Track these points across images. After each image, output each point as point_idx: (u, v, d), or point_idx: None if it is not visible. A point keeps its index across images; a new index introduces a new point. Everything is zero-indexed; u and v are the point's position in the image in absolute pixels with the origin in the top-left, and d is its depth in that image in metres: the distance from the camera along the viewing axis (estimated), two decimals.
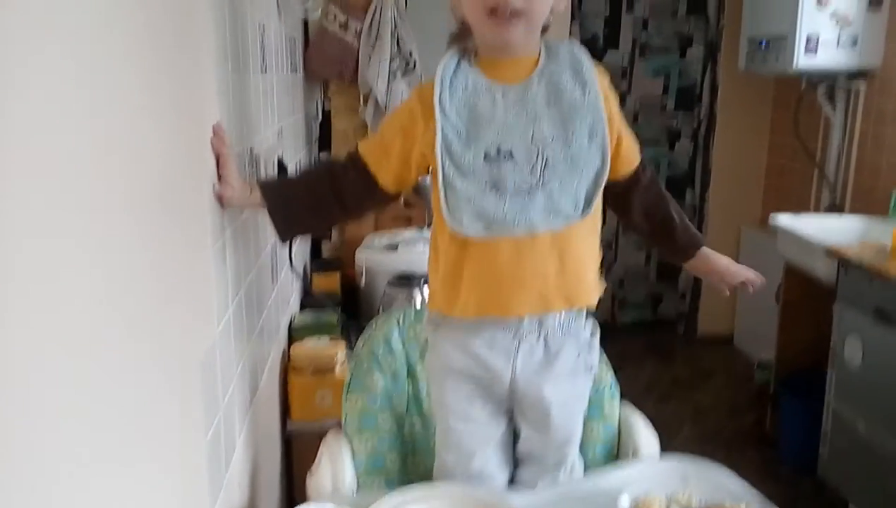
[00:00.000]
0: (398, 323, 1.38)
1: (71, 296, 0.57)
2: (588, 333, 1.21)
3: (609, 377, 1.44)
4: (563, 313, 1.15)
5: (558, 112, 1.08)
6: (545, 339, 1.16)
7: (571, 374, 1.17)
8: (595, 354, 1.22)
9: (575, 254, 1.12)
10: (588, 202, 1.09)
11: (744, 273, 1.28)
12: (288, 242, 1.28)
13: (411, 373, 1.36)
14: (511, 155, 1.06)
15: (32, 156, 0.51)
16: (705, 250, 1.30)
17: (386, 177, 1.16)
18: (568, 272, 1.12)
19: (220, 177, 1.09)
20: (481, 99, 1.09)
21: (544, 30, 1.12)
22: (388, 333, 1.36)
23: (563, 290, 1.13)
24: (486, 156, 1.06)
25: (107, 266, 0.65)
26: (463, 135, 1.08)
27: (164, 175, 0.84)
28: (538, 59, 1.11)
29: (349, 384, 1.33)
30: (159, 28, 0.84)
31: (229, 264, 1.18)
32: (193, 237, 0.98)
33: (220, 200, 1.09)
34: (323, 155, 2.62)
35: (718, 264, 1.29)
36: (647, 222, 1.23)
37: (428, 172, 1.14)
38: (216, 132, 1.08)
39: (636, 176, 1.19)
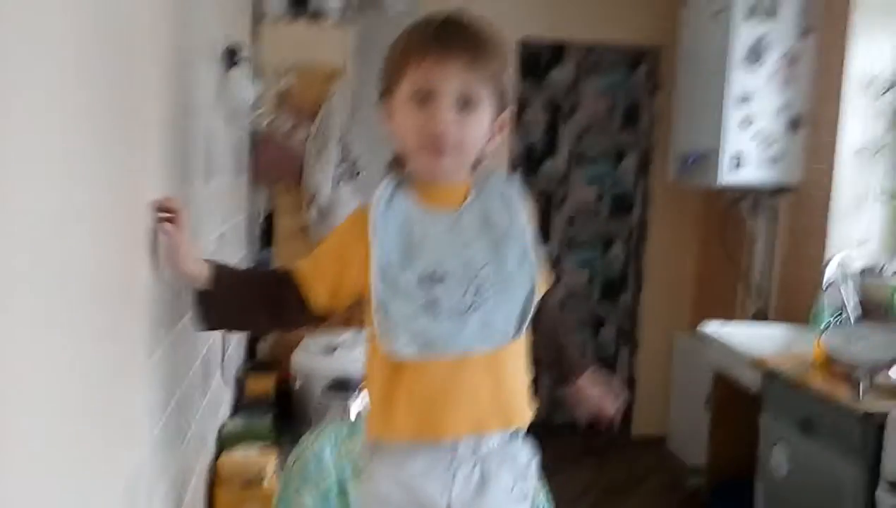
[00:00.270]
0: (330, 438, 1.36)
1: None
2: (525, 458, 1.20)
3: (541, 497, 1.43)
4: (499, 436, 1.15)
5: (489, 238, 1.11)
6: (481, 466, 1.14)
7: (506, 504, 1.16)
8: (532, 481, 1.21)
9: (508, 374, 1.14)
10: (520, 324, 1.11)
11: (603, 407, 1.35)
12: (203, 331, 1.22)
13: (342, 491, 1.33)
14: (445, 278, 1.08)
15: None
16: (584, 378, 1.35)
17: (317, 299, 1.16)
18: (502, 392, 1.14)
19: (170, 231, 1.07)
20: (416, 225, 1.11)
21: (478, 163, 1.16)
22: (320, 450, 1.34)
23: (498, 411, 1.13)
24: (420, 279, 1.08)
25: (32, 387, 0.64)
26: (397, 259, 1.09)
27: (97, 286, 0.83)
28: (470, 188, 1.15)
29: (276, 505, 1.30)
30: (105, 136, 0.85)
31: (160, 381, 1.15)
32: (124, 357, 0.96)
33: (166, 244, 1.06)
34: (265, 252, 2.61)
35: (591, 392, 1.34)
36: (540, 343, 1.26)
37: (360, 300, 1.15)
38: (164, 200, 1.07)
39: (542, 301, 1.21)
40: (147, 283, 1.07)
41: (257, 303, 1.17)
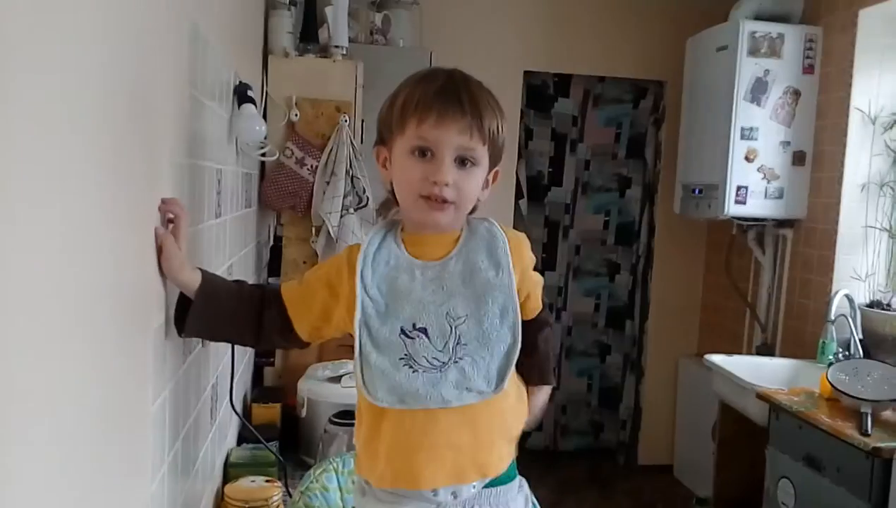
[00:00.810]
0: (336, 472, 1.38)
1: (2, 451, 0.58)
2: (520, 504, 1.19)
3: None
4: (479, 482, 1.14)
5: (472, 291, 1.11)
6: None
7: None
8: None
9: (488, 426, 1.13)
10: (499, 379, 1.11)
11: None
12: (184, 337, 1.24)
13: None
14: (425, 331, 1.09)
15: None
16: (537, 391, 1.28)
17: (302, 327, 1.18)
18: (481, 444, 1.13)
19: (165, 236, 1.08)
20: (401, 275, 1.13)
21: (471, 212, 1.17)
22: (326, 484, 1.35)
23: (475, 462, 1.13)
24: (401, 332, 1.09)
25: (42, 416, 0.66)
26: (381, 311, 1.11)
27: (113, 317, 0.85)
28: (459, 236, 1.15)
29: None
30: (125, 171, 0.88)
31: (172, 410, 1.17)
32: (136, 388, 0.98)
33: (159, 252, 1.07)
34: (273, 282, 2.64)
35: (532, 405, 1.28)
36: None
37: (343, 335, 1.18)
38: (169, 201, 1.08)
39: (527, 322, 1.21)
40: (157, 317, 1.09)
41: (243, 321, 1.19)
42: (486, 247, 1.14)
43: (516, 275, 1.14)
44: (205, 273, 1.16)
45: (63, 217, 0.69)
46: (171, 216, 1.09)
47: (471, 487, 1.13)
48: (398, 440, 1.12)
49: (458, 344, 1.08)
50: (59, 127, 0.67)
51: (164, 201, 1.07)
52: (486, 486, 1.14)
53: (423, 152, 1.09)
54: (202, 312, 1.14)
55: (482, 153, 1.10)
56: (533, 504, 1.23)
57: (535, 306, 1.22)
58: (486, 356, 1.09)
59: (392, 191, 1.18)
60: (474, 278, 1.11)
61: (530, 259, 1.19)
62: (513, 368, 1.12)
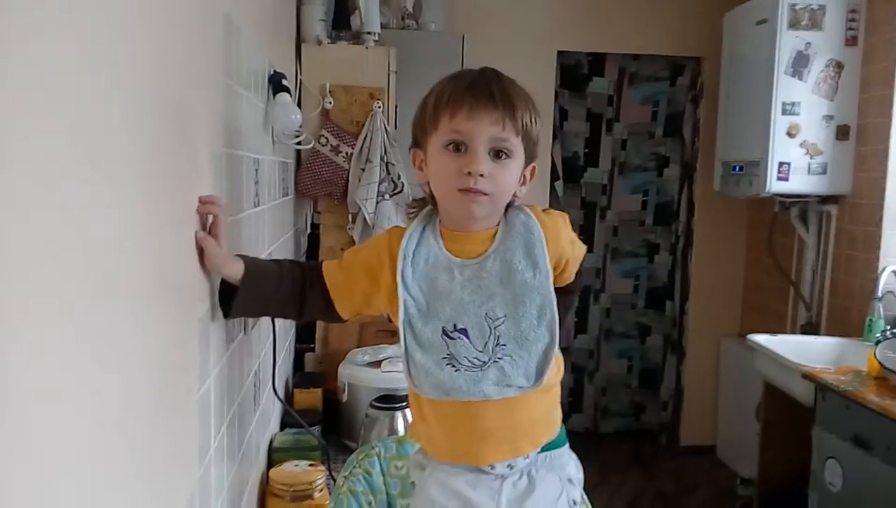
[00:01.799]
0: (379, 456, 1.39)
1: (51, 437, 0.60)
2: (573, 468, 1.23)
3: None
4: (534, 452, 1.18)
5: (510, 291, 1.12)
6: (528, 474, 1.18)
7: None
8: (578, 491, 1.23)
9: (531, 410, 1.17)
10: (538, 376, 1.13)
11: None
12: (231, 319, 1.28)
13: None
14: (466, 332, 1.11)
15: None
16: None
17: (343, 307, 1.23)
18: (530, 422, 1.17)
19: (207, 233, 1.10)
20: (440, 274, 1.14)
21: (509, 205, 1.18)
22: (369, 469, 1.37)
23: (528, 436, 1.17)
24: (443, 332, 1.12)
25: (92, 410, 0.68)
26: (423, 311, 1.14)
27: (157, 310, 0.87)
28: (496, 232, 1.16)
29: None
30: (167, 165, 0.89)
31: (218, 397, 1.20)
32: (185, 375, 1.00)
33: (201, 253, 1.09)
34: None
35: None
36: None
37: (384, 313, 1.23)
38: (209, 200, 1.09)
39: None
40: (201, 306, 1.11)
41: (285, 300, 1.23)
42: (524, 245, 1.13)
43: (552, 262, 1.14)
44: (246, 262, 1.19)
45: (108, 209, 0.70)
46: (209, 215, 1.11)
47: (525, 458, 1.17)
48: (450, 424, 1.17)
49: (497, 344, 1.10)
50: (106, 121, 0.68)
51: (201, 201, 1.09)
52: (540, 451, 1.18)
53: (457, 146, 1.10)
54: (247, 299, 1.18)
55: (516, 144, 1.11)
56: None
57: (568, 278, 1.22)
58: (525, 355, 1.11)
59: (430, 194, 1.19)
60: (512, 278, 1.12)
61: (567, 238, 1.19)
62: (552, 363, 1.13)
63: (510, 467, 1.17)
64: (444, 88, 1.13)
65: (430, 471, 1.20)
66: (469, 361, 1.11)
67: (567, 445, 1.23)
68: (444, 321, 1.12)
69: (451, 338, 1.11)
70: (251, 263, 1.20)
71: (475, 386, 1.11)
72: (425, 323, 1.13)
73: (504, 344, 1.10)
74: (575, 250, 1.21)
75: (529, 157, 1.15)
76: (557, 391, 1.21)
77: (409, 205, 1.25)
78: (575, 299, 1.29)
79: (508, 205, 1.17)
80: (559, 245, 1.17)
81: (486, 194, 1.09)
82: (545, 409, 1.19)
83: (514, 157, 1.11)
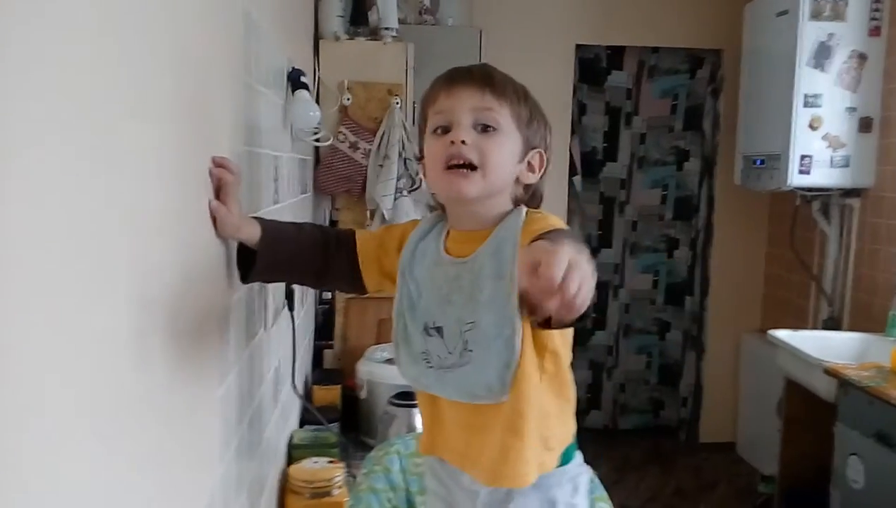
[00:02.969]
0: (398, 454, 1.39)
1: (75, 436, 0.60)
2: (562, 494, 1.13)
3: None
4: (499, 491, 1.12)
5: (478, 298, 1.07)
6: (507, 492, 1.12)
7: None
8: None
9: (499, 436, 1.09)
10: (502, 386, 1.05)
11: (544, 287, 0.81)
12: (248, 285, 1.25)
13: (411, 507, 1.36)
14: (441, 331, 1.09)
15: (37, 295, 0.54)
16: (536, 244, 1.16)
17: (370, 279, 1.22)
18: (493, 456, 1.10)
19: (218, 198, 1.07)
20: (433, 271, 1.13)
21: (525, 203, 1.12)
22: (389, 466, 1.37)
23: (489, 470, 1.10)
24: (424, 328, 1.11)
25: (115, 409, 0.68)
26: (414, 303, 1.13)
27: (180, 307, 0.88)
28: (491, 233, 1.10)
29: None
30: (189, 162, 0.89)
31: (237, 396, 1.20)
32: (200, 383, 1.00)
33: (214, 220, 1.06)
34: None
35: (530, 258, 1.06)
36: None
37: None
38: (221, 162, 1.06)
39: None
40: (223, 303, 1.12)
41: (305, 265, 1.22)
42: (500, 250, 1.06)
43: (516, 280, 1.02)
44: (263, 225, 1.16)
45: (127, 209, 0.70)
46: (219, 180, 1.07)
47: (484, 488, 1.12)
48: (430, 411, 1.18)
49: (465, 349, 1.06)
50: (125, 122, 0.68)
51: (214, 162, 1.05)
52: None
53: (444, 129, 1.08)
54: (266, 263, 1.16)
55: (502, 116, 1.07)
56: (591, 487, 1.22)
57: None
58: (487, 365, 1.05)
59: (439, 203, 1.18)
60: (483, 284, 1.06)
61: (533, 233, 1.03)
62: (509, 381, 1.04)
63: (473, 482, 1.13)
64: (427, 89, 1.13)
65: (427, 458, 1.22)
66: (440, 360, 1.09)
67: (566, 469, 1.14)
68: (427, 317, 1.11)
69: (430, 335, 1.10)
70: (269, 226, 1.18)
71: (442, 386, 1.10)
72: (412, 316, 1.12)
73: (471, 350, 1.06)
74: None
75: (527, 139, 1.10)
76: (539, 421, 1.08)
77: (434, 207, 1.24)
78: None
79: (532, 202, 1.13)
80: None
81: (474, 168, 1.05)
82: (512, 448, 1.08)
83: (501, 129, 1.06)
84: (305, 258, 1.21)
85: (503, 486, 1.10)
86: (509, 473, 1.09)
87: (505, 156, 1.07)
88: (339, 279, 1.25)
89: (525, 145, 1.10)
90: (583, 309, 0.76)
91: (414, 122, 2.61)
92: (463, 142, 1.04)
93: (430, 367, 1.10)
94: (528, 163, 1.11)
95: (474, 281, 1.06)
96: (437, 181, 1.09)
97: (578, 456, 1.18)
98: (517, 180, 1.11)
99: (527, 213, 1.08)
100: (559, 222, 1.06)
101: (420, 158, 1.17)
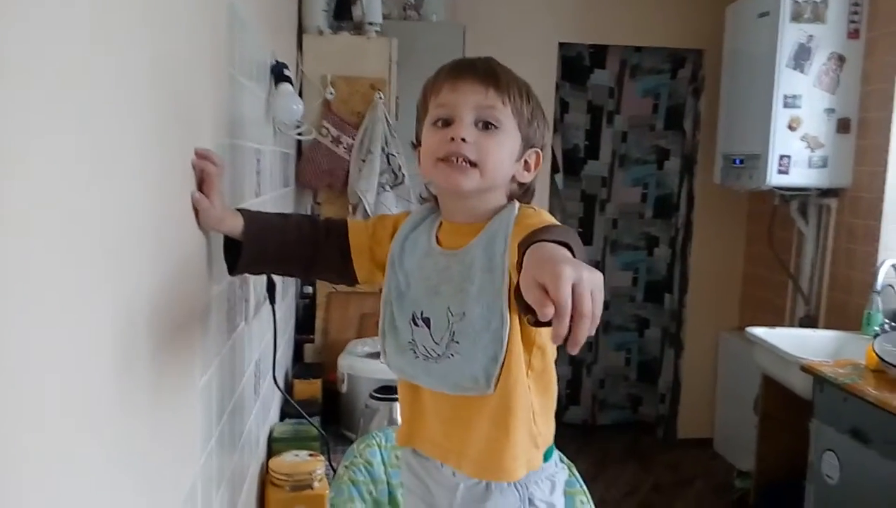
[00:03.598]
0: (379, 447, 1.40)
1: (57, 428, 0.60)
2: (540, 492, 1.14)
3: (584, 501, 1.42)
4: (481, 481, 1.12)
5: (470, 289, 1.07)
6: (487, 482, 1.12)
7: None
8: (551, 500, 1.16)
9: (486, 430, 1.10)
10: (488, 379, 1.06)
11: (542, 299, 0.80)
12: (235, 278, 1.25)
13: (392, 500, 1.36)
14: (429, 322, 1.10)
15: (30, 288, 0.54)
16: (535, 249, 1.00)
17: (361, 268, 1.21)
18: (480, 446, 1.10)
19: (201, 190, 1.06)
20: (423, 261, 1.13)
21: (512, 197, 1.13)
22: (370, 458, 1.37)
23: (475, 461, 1.11)
24: (412, 318, 1.11)
25: (96, 400, 0.68)
26: (403, 293, 1.13)
27: (159, 302, 0.87)
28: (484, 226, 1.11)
29: None
30: (172, 154, 0.89)
31: (217, 389, 1.20)
32: (183, 370, 1.00)
33: (196, 212, 1.05)
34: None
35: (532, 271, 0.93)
36: None
37: None
38: (205, 154, 1.05)
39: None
40: (203, 296, 1.11)
41: (293, 255, 1.20)
42: (491, 243, 1.07)
43: (509, 271, 1.04)
44: (246, 217, 1.16)
45: (109, 204, 0.70)
46: (201, 171, 1.06)
47: (468, 479, 1.12)
48: (412, 403, 1.18)
49: (451, 340, 1.07)
50: (106, 114, 0.68)
51: (197, 154, 1.04)
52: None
53: (445, 122, 1.08)
54: (252, 254, 1.16)
55: (504, 115, 1.07)
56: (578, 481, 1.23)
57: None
58: (473, 358, 1.06)
59: (432, 194, 1.18)
60: (473, 276, 1.07)
61: (525, 228, 1.03)
62: (496, 375, 1.05)
63: (453, 474, 1.14)
64: (430, 78, 1.13)
65: (403, 453, 1.23)
66: (426, 351, 1.10)
67: (544, 467, 1.15)
68: (415, 307, 1.11)
69: (417, 325, 1.10)
70: (253, 217, 1.17)
71: (428, 377, 1.11)
72: (400, 305, 1.13)
73: (457, 342, 1.07)
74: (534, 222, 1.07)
75: (527, 138, 1.11)
76: (527, 416, 1.10)
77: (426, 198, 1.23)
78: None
79: (525, 197, 1.14)
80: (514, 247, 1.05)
81: (472, 164, 1.05)
82: (500, 443, 1.09)
83: (503, 128, 1.07)
84: (293, 248, 1.20)
85: (491, 479, 1.10)
86: (496, 467, 1.10)
87: (504, 156, 1.08)
88: (329, 269, 1.24)
89: (524, 144, 1.11)
90: (597, 320, 0.76)
91: (397, 117, 2.61)
92: (464, 139, 1.05)
93: (417, 358, 1.10)
94: (525, 161, 1.12)
95: (464, 273, 1.07)
96: (432, 171, 1.10)
97: (556, 455, 1.19)
98: (513, 178, 1.12)
99: (519, 209, 1.09)
100: (551, 218, 1.06)
101: (416, 145, 1.16)
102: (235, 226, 1.14)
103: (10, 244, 0.49)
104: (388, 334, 1.14)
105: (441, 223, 1.16)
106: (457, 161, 1.05)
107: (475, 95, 1.06)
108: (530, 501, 1.12)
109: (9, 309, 0.49)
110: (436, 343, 1.08)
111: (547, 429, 1.15)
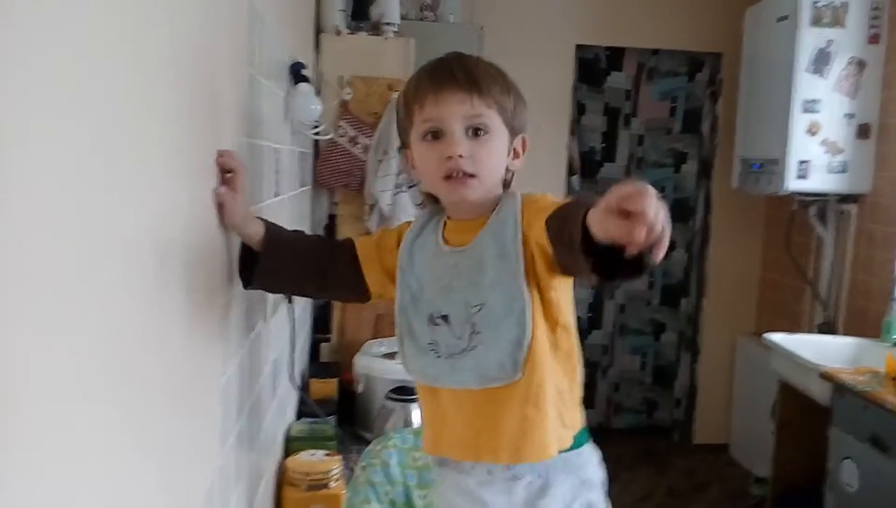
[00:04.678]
0: (396, 448, 1.39)
1: (80, 422, 0.60)
2: (591, 472, 1.18)
3: None
4: (518, 466, 1.13)
5: (486, 279, 1.09)
6: (543, 476, 1.13)
7: None
8: (597, 493, 1.19)
9: (513, 410, 1.11)
10: (515, 364, 1.07)
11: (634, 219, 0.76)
12: (248, 289, 1.23)
13: (409, 502, 1.36)
14: (447, 319, 1.10)
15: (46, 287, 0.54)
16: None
17: (373, 279, 1.22)
18: (507, 425, 1.11)
19: (225, 187, 1.08)
20: (433, 262, 1.14)
21: (507, 185, 1.17)
22: (387, 460, 1.37)
23: (503, 442, 1.11)
24: (429, 319, 1.12)
25: (120, 396, 0.68)
26: (417, 297, 1.14)
27: (184, 302, 0.88)
28: (488, 219, 1.13)
29: None
30: (192, 157, 0.89)
31: (236, 388, 1.20)
32: (203, 369, 1.00)
33: (221, 207, 1.08)
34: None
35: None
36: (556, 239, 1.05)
37: None
38: (225, 154, 1.07)
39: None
40: (223, 296, 1.12)
41: (307, 273, 1.22)
42: (500, 232, 1.10)
43: (532, 244, 1.06)
44: (267, 225, 1.18)
45: (132, 202, 0.70)
46: (226, 169, 1.08)
47: (503, 467, 1.12)
48: (434, 409, 1.17)
49: (473, 332, 1.08)
50: (128, 115, 0.68)
51: (220, 154, 1.07)
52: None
53: (434, 134, 1.09)
54: (269, 267, 1.17)
55: (491, 118, 1.10)
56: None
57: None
58: (498, 345, 1.08)
59: (427, 193, 1.20)
60: (486, 266, 1.09)
61: (538, 211, 1.07)
62: (524, 356, 1.07)
63: (489, 472, 1.13)
64: (409, 83, 1.14)
65: (442, 469, 1.20)
66: (448, 348, 1.10)
67: (587, 445, 1.19)
68: (431, 308, 1.12)
69: (436, 325, 1.11)
70: (273, 228, 1.19)
71: (454, 374, 1.10)
72: (416, 309, 1.14)
73: (479, 332, 1.08)
74: (542, 204, 1.09)
75: (513, 130, 1.13)
76: (556, 397, 1.11)
77: (417, 204, 1.25)
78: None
79: (507, 187, 1.16)
80: (536, 225, 1.07)
81: (472, 176, 1.08)
82: (535, 413, 1.10)
83: (493, 132, 1.10)
84: (307, 262, 1.22)
85: (526, 462, 1.11)
86: (530, 446, 1.11)
87: (499, 158, 1.12)
88: (342, 285, 1.25)
89: (511, 136, 1.14)
90: (667, 239, 0.77)
91: None
92: (460, 155, 1.07)
93: (439, 357, 1.10)
94: (514, 150, 1.15)
95: (475, 266, 1.09)
96: (436, 188, 1.13)
97: (590, 440, 1.20)
98: (506, 169, 1.15)
99: (522, 196, 1.12)
100: (557, 198, 1.10)
101: (403, 147, 1.20)
102: (257, 230, 1.16)
103: (35, 241, 0.49)
104: (405, 339, 1.14)
105: (445, 223, 1.18)
106: (457, 175, 1.08)
107: (461, 106, 1.08)
108: (589, 484, 1.16)
109: (16, 320, 0.49)
110: (458, 338, 1.09)
111: (574, 411, 1.16)
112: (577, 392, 1.17)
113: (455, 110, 1.08)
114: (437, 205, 1.20)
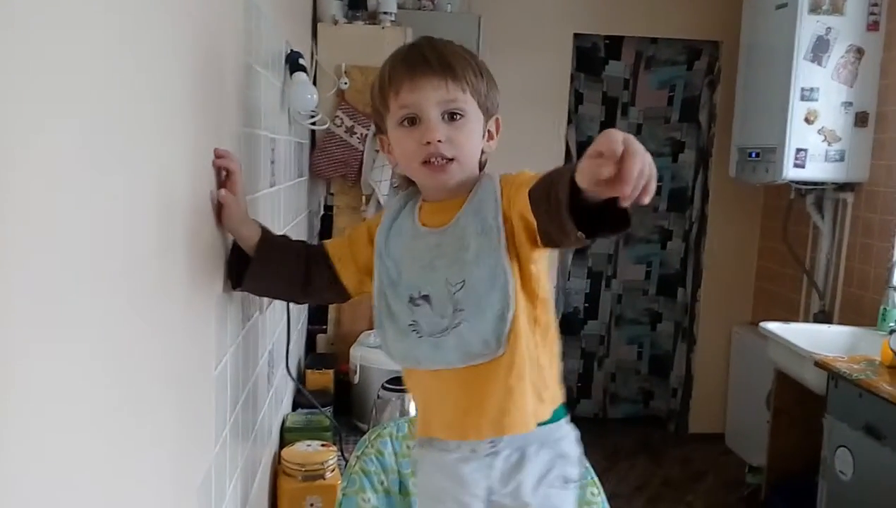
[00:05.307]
0: (391, 437, 1.40)
1: (73, 420, 0.60)
2: (568, 446, 1.19)
3: (596, 492, 1.42)
4: (500, 441, 1.14)
5: (467, 256, 1.11)
6: (521, 449, 1.15)
7: (544, 486, 1.16)
8: (575, 469, 1.20)
9: (500, 385, 1.12)
10: (498, 340, 1.09)
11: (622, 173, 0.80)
12: (238, 291, 1.24)
13: (404, 490, 1.36)
14: (428, 298, 1.12)
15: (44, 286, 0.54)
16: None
17: (348, 276, 1.23)
18: (491, 402, 1.12)
19: (225, 189, 1.10)
20: (411, 243, 1.16)
21: (482, 166, 1.19)
22: (381, 449, 1.37)
23: (489, 418, 1.13)
24: (409, 299, 1.13)
25: (115, 388, 0.68)
26: (395, 280, 1.15)
27: (177, 291, 0.87)
28: (465, 200, 1.15)
29: (340, 503, 1.34)
30: (189, 161, 0.89)
31: (231, 378, 1.20)
32: (199, 359, 1.00)
33: (220, 207, 1.10)
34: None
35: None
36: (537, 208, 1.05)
37: None
38: (225, 154, 1.09)
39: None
40: (219, 286, 1.12)
41: (293, 277, 1.23)
42: (481, 209, 1.12)
43: (513, 219, 1.08)
44: (263, 229, 1.21)
45: (129, 192, 0.70)
46: (225, 170, 1.11)
47: (486, 443, 1.14)
48: (421, 392, 1.20)
49: (455, 310, 1.09)
50: (125, 104, 0.68)
51: (216, 154, 1.08)
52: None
53: (411, 120, 1.11)
54: (259, 271, 1.19)
55: (467, 102, 1.11)
56: (586, 468, 1.23)
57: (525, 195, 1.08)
58: (481, 320, 1.09)
59: (404, 176, 1.22)
60: (468, 243, 1.11)
61: (519, 185, 1.08)
62: (507, 329, 1.08)
63: (472, 450, 1.14)
64: (383, 70, 1.15)
65: (425, 450, 1.21)
66: (430, 327, 1.11)
67: (564, 420, 1.20)
68: (411, 289, 1.13)
69: (417, 305, 1.12)
70: (267, 232, 1.22)
71: (436, 352, 1.11)
72: (395, 291, 1.15)
73: (462, 309, 1.09)
74: (520, 181, 1.09)
75: (487, 111, 1.15)
76: (533, 372, 1.13)
77: (394, 186, 1.26)
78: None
79: (482, 169, 1.18)
80: (518, 198, 1.08)
81: (451, 160, 1.10)
82: (518, 385, 1.12)
83: (468, 116, 1.12)
84: (295, 267, 1.23)
85: (507, 433, 1.13)
86: (511, 417, 1.12)
87: (475, 141, 1.14)
88: (322, 288, 1.26)
89: (486, 117, 1.16)
90: (652, 188, 0.81)
91: None
92: (439, 141, 1.09)
93: (421, 337, 1.11)
94: (489, 132, 1.17)
95: (457, 243, 1.11)
96: (415, 173, 1.15)
97: (566, 415, 1.21)
98: (482, 151, 1.17)
99: (500, 175, 1.14)
100: (536, 173, 1.08)
101: (378, 133, 1.21)
102: (253, 233, 1.18)
103: (34, 240, 0.49)
104: (386, 322, 1.15)
105: (421, 206, 1.19)
106: (436, 161, 1.10)
107: (436, 92, 1.09)
108: (565, 457, 1.17)
109: (17, 319, 0.49)
110: (440, 317, 1.10)
111: (553, 385, 1.18)
112: (556, 365, 1.19)
113: (430, 96, 1.09)
114: (412, 187, 1.22)
